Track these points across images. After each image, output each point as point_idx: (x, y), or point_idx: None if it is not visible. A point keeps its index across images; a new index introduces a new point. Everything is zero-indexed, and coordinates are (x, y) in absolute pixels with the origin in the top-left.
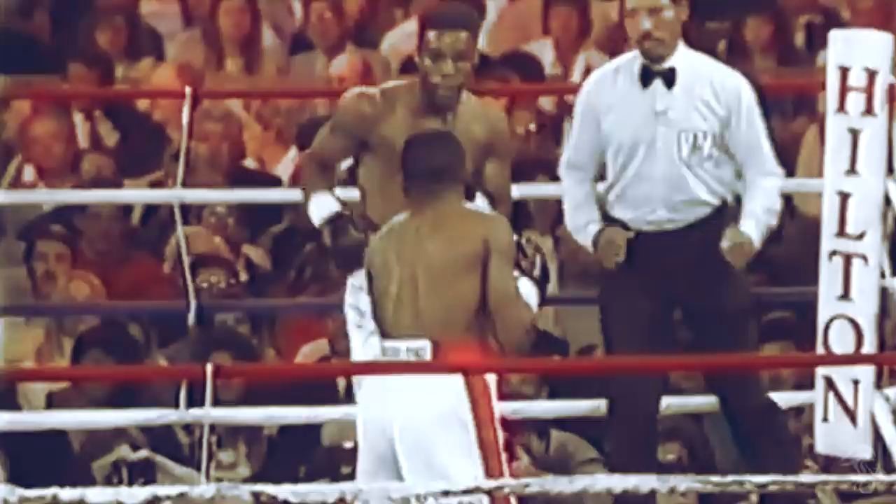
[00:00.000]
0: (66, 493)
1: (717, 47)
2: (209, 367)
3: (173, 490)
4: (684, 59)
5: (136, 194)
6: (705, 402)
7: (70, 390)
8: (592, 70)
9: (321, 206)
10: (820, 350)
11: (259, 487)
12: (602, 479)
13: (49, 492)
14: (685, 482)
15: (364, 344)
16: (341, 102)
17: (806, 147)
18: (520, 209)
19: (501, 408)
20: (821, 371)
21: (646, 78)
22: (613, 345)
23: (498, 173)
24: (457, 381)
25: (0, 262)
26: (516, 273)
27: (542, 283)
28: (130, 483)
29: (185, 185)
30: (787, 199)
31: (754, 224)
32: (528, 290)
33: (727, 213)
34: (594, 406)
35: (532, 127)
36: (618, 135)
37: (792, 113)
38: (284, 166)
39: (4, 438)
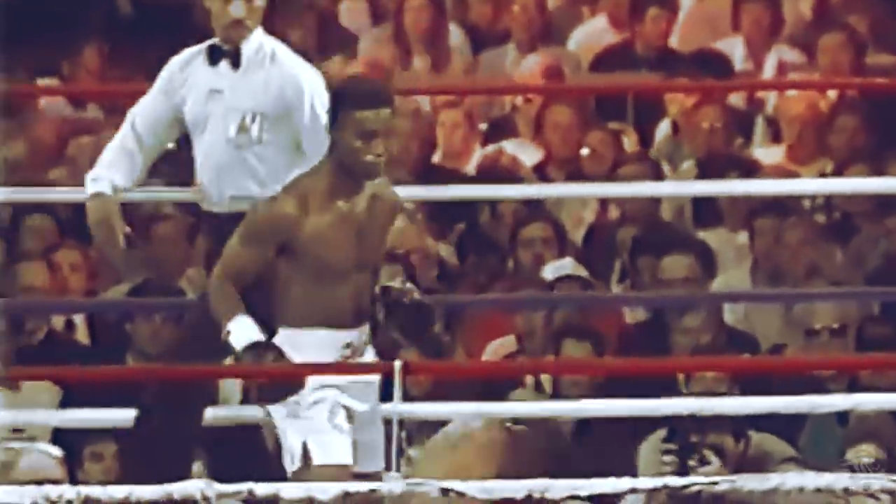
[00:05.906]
0: (262, 487)
1: None
2: (398, 364)
3: (364, 486)
4: (256, 42)
5: None
6: None
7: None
8: (785, 67)
9: (241, 332)
10: None
11: (448, 483)
12: (794, 476)
13: (245, 486)
14: (879, 481)
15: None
16: (255, 213)
17: None
18: (711, 205)
19: (690, 405)
20: None
21: (214, 57)
22: None
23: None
24: None
25: None
26: None
27: None
28: None
29: None
30: None
31: None
32: None
33: None
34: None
35: (718, 124)
36: (189, 112)
37: None
38: (472, 163)
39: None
